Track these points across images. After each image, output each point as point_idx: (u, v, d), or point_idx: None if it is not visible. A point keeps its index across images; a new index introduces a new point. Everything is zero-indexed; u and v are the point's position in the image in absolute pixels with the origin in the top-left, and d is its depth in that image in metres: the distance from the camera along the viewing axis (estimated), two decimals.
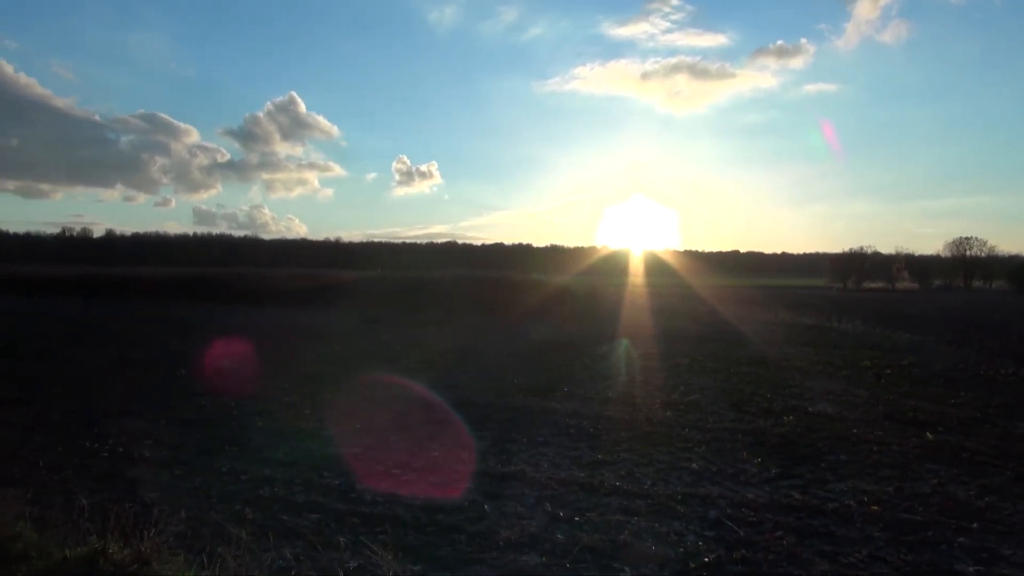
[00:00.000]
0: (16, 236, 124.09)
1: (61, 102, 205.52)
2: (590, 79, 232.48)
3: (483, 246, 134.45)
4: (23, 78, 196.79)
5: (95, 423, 9.59)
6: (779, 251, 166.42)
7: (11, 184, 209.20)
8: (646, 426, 9.83)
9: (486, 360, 16.46)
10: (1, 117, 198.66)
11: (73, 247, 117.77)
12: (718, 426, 9.85)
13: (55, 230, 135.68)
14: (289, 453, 8.28)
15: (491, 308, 30.63)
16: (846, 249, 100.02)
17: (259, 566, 4.64)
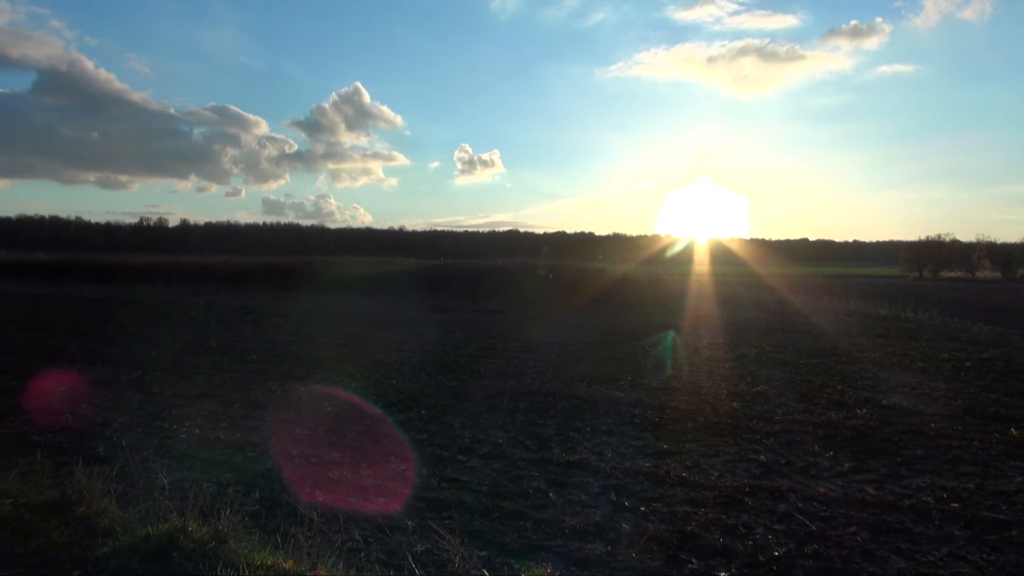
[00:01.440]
0: (97, 225, 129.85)
1: (138, 96, 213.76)
2: (654, 64, 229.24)
3: (545, 234, 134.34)
4: (103, 73, 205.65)
5: (173, 405, 9.98)
6: (850, 239, 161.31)
7: (92, 176, 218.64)
8: (712, 416, 9.69)
9: (548, 348, 16.46)
10: (83, 111, 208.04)
11: (150, 236, 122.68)
12: (787, 418, 9.63)
13: (133, 219, 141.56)
14: (357, 438, 8.45)
15: (553, 297, 30.59)
16: (923, 237, 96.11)
17: (330, 547, 4.75)
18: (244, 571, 4.24)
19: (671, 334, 18.63)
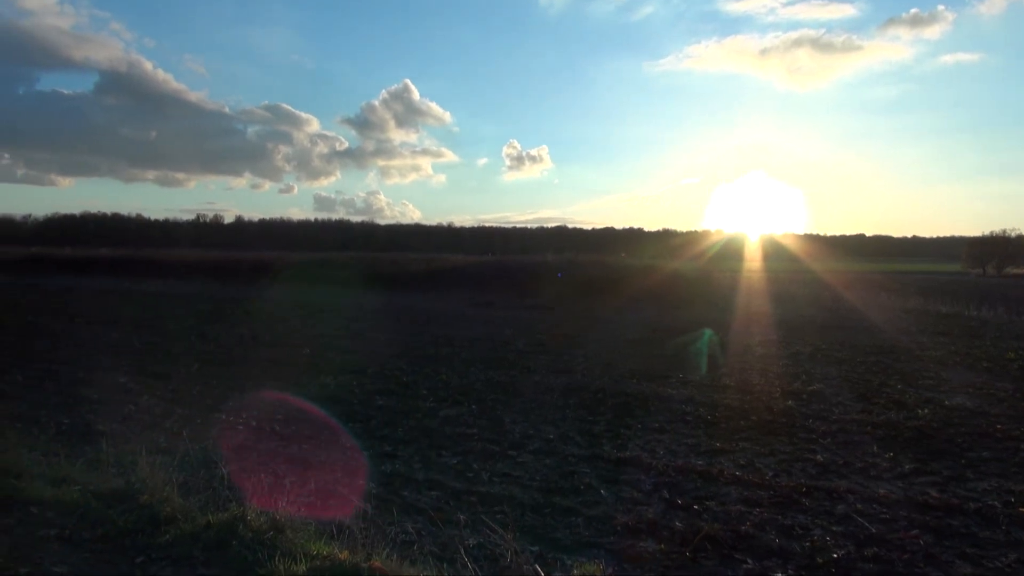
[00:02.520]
0: (156, 222, 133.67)
1: (194, 96, 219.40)
2: (705, 57, 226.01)
3: (593, 230, 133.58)
4: (161, 74, 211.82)
5: (230, 398, 10.23)
6: (909, 234, 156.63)
7: (151, 174, 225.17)
8: (766, 415, 9.53)
9: (598, 345, 16.39)
10: (142, 111, 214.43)
11: (206, 232, 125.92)
12: (844, 417, 9.41)
13: (190, 216, 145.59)
14: (408, 431, 8.56)
15: (602, 293, 30.42)
16: (986, 232, 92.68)
17: (384, 539, 4.80)
18: (301, 560, 4.32)
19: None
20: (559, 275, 34.60)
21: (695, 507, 6.05)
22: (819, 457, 7.60)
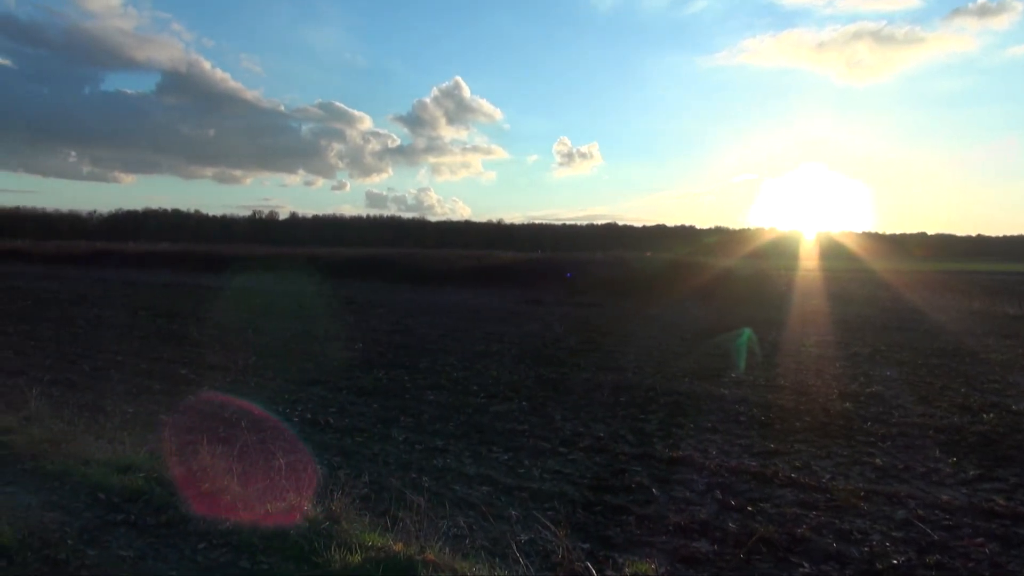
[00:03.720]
0: (213, 218, 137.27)
1: (250, 94, 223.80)
2: (760, 52, 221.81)
3: (644, 228, 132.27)
4: (219, 73, 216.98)
5: (286, 390, 10.47)
6: (973, 233, 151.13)
7: (209, 171, 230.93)
8: (822, 417, 9.34)
9: (649, 343, 16.26)
10: (201, 110, 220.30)
11: (261, 228, 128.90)
12: (904, 420, 9.16)
13: (246, 212, 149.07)
14: (459, 426, 8.64)
15: (652, 291, 30.15)
16: None
17: (436, 532, 4.86)
18: (356, 551, 4.40)
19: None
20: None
21: (749, 508, 5.97)
22: (878, 461, 7.42)
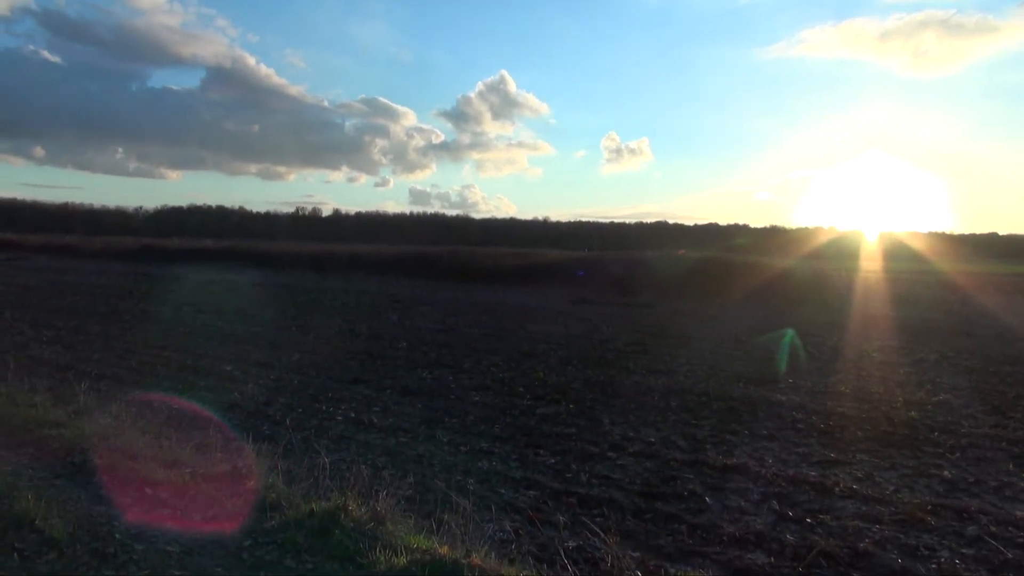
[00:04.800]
0: (257, 214, 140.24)
1: (294, 90, 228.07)
2: (819, 43, 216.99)
3: (696, 226, 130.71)
4: (263, 69, 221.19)
5: (330, 389, 10.63)
6: None
7: (253, 167, 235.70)
8: (886, 426, 9.11)
9: (701, 345, 16.07)
10: (245, 106, 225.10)
11: (305, 224, 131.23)
12: (975, 431, 8.89)
13: (289, 209, 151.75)
14: (505, 429, 8.66)
15: (705, 291, 29.80)
16: None
17: (482, 536, 4.88)
18: (402, 553, 4.45)
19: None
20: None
21: (808, 520, 5.86)
22: (946, 473, 7.22)
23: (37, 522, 4.92)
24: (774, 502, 6.29)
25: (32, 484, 5.81)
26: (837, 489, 6.64)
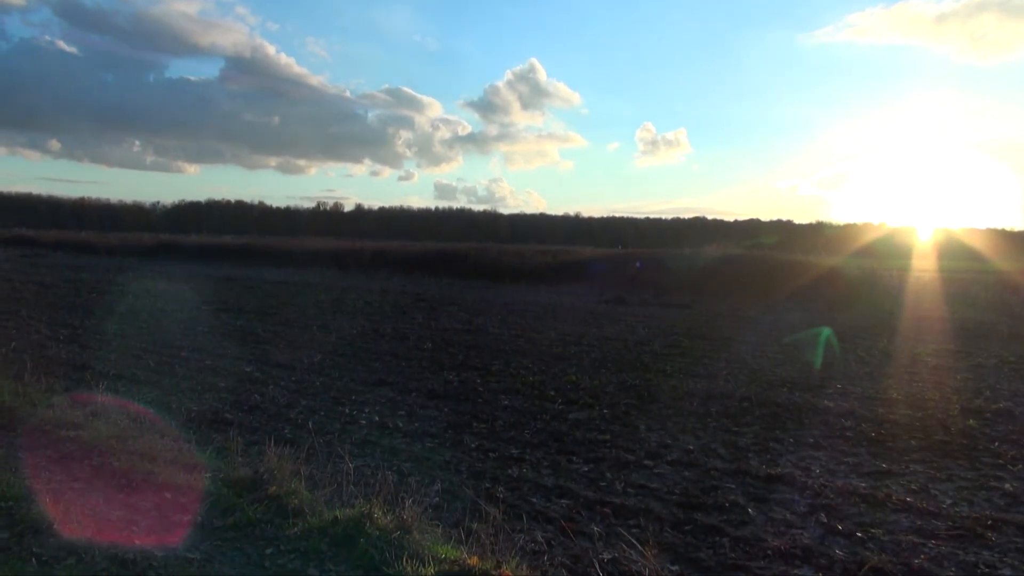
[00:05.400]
0: (277, 209, 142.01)
1: (315, 80, 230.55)
2: (868, 27, 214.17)
3: (736, 222, 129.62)
4: (283, 58, 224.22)
5: (353, 391, 10.71)
6: None
7: (273, 160, 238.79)
8: (941, 435, 8.96)
9: (742, 348, 15.95)
10: (265, 97, 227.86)
11: (326, 220, 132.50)
12: None
13: (310, 204, 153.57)
14: (536, 434, 8.66)
15: (746, 291, 29.55)
16: None
17: (512, 547, 4.89)
18: (429, 563, 4.47)
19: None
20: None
21: (858, 534, 5.78)
22: (1008, 486, 7.08)
23: (55, 526, 5.02)
24: (822, 515, 6.21)
25: (50, 488, 5.93)
26: (889, 502, 6.54)
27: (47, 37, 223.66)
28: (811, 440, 8.62)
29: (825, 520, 6.09)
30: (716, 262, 34.66)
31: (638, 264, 34.86)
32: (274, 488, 5.74)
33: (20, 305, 20.18)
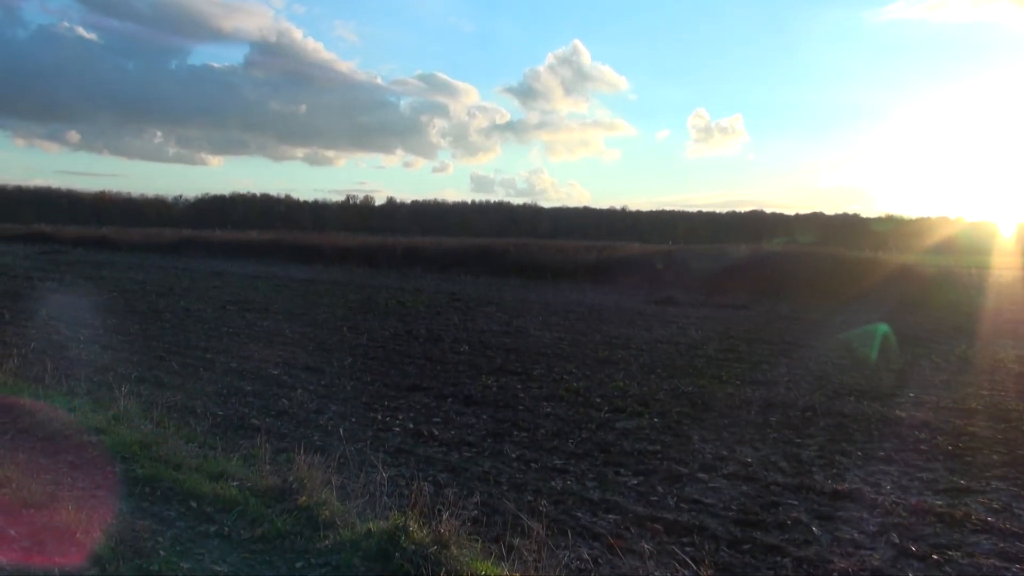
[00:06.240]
0: (305, 203, 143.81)
1: (344, 65, 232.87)
2: (943, 3, 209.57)
3: (797, 216, 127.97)
4: (311, 43, 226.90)
5: (385, 396, 10.82)
6: None
7: (300, 152, 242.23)
8: None
9: (805, 353, 15.77)
10: (292, 84, 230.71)
11: (356, 214, 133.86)
12: None
13: (339, 197, 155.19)
14: (580, 444, 8.66)
15: (809, 291, 29.19)
16: None
17: (556, 564, 4.90)
18: None
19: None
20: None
21: (934, 557, 5.69)
22: None
23: (78, 535, 5.15)
24: (893, 535, 6.12)
25: (72, 494, 6.10)
26: (968, 521, 6.42)
27: (66, 23, 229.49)
28: (881, 453, 8.50)
29: (897, 541, 5.99)
30: (776, 260, 34.29)
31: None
32: (304, 498, 5.82)
33: (40, 305, 20.73)
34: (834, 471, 7.81)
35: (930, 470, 7.92)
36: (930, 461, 8.25)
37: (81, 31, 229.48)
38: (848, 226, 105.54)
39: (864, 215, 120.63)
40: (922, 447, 8.79)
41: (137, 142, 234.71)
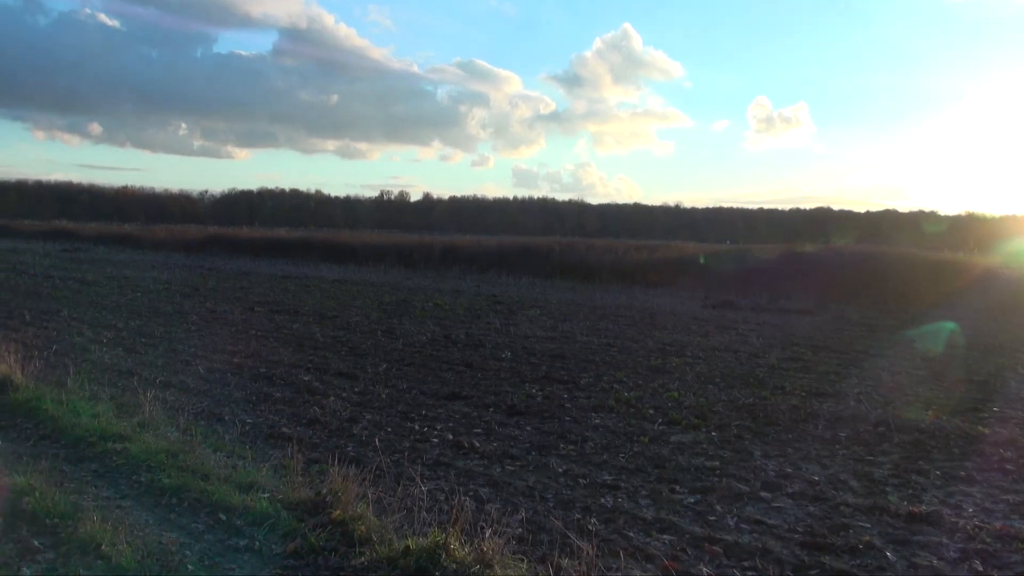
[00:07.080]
0: (336, 199, 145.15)
1: (378, 52, 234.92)
2: None
3: (868, 214, 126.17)
4: (343, 29, 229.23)
5: (423, 405, 10.91)
6: None
7: (331, 144, 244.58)
8: None
9: (877, 363, 15.56)
10: (322, 73, 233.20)
11: (390, 211, 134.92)
12: None
13: (373, 192, 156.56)
14: (632, 458, 8.64)
15: (881, 295, 28.78)
16: None
17: None
18: None
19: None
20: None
21: None
22: None
23: (104, 547, 5.29)
24: (976, 562, 6.02)
25: (97, 505, 6.27)
26: None
27: (87, 10, 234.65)
28: (962, 473, 8.36)
29: (980, 568, 5.91)
30: (845, 261, 33.85)
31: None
32: (338, 512, 5.91)
33: (62, 305, 21.23)
34: (910, 491, 7.70)
35: (1017, 492, 7.78)
36: (1017, 482, 8.11)
37: (103, 18, 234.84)
38: (924, 222, 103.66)
39: (943, 212, 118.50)
40: (1008, 466, 8.63)
41: (161, 134, 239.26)
